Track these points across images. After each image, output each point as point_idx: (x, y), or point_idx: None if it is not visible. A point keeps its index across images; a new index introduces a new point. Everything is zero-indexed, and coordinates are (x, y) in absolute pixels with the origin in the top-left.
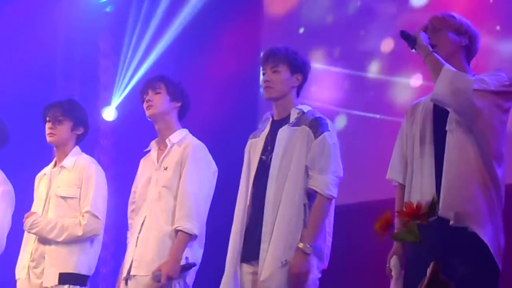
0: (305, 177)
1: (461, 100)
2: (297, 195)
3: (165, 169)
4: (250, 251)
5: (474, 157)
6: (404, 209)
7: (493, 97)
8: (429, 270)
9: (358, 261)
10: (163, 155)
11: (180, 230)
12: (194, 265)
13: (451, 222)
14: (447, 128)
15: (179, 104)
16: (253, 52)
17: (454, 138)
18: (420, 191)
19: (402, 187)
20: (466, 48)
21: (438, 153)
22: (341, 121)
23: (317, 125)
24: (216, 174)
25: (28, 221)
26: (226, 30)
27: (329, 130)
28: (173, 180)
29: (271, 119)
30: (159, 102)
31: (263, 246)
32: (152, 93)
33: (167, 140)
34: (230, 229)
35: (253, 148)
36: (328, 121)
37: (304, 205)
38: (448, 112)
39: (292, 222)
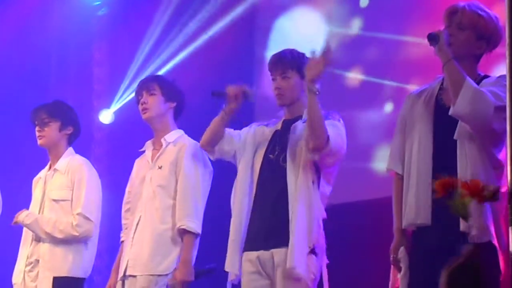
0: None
1: (480, 121)
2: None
3: (160, 168)
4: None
5: (484, 166)
6: (468, 184)
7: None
8: (464, 252)
9: (358, 259)
10: (158, 154)
11: (185, 230)
12: (213, 270)
13: (473, 234)
14: (455, 137)
15: (174, 104)
16: (247, 53)
17: (465, 149)
18: (415, 197)
19: (402, 177)
20: (480, 54)
21: (437, 155)
22: None
23: (326, 115)
24: (212, 174)
25: (22, 214)
26: (224, 32)
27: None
28: (168, 179)
29: (283, 119)
30: (154, 105)
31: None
32: (147, 94)
33: (162, 140)
34: (225, 232)
35: (258, 136)
36: (337, 115)
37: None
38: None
39: None
